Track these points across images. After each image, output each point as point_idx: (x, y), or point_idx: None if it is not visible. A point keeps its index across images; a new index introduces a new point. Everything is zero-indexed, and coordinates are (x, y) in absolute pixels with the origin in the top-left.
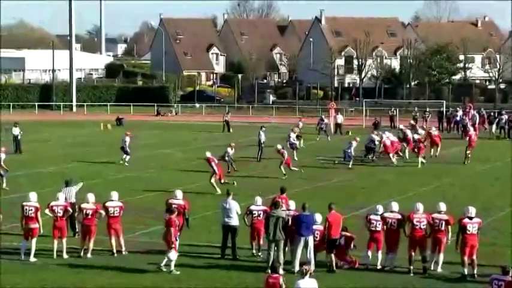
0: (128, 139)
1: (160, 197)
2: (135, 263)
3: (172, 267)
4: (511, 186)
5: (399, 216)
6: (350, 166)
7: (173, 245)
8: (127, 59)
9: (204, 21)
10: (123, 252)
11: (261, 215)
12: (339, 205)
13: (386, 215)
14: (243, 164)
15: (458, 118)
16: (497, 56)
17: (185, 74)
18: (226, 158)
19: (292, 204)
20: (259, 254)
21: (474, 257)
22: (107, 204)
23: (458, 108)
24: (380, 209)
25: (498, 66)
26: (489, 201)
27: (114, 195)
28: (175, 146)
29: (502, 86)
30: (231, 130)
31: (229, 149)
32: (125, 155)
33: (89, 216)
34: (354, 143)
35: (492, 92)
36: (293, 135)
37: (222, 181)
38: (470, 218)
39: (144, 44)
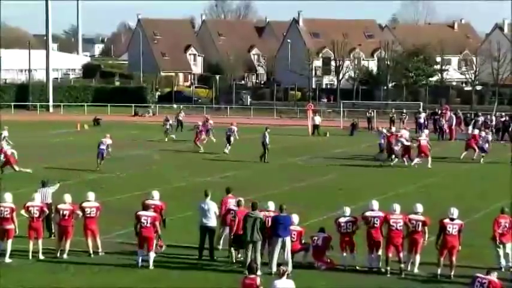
0: (109, 141)
1: (137, 198)
2: (112, 263)
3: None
4: (488, 187)
5: (381, 214)
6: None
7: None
8: (104, 59)
9: (181, 22)
10: (100, 253)
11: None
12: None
13: (367, 214)
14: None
15: (421, 120)
16: (474, 58)
17: (163, 75)
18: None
19: (271, 205)
20: (238, 255)
21: (453, 258)
22: (84, 204)
23: (420, 110)
24: (347, 210)
25: (474, 69)
26: (467, 202)
27: (91, 195)
28: (152, 147)
29: (478, 88)
30: (182, 130)
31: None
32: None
33: (66, 217)
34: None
35: (468, 93)
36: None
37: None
38: (452, 219)
39: (121, 44)
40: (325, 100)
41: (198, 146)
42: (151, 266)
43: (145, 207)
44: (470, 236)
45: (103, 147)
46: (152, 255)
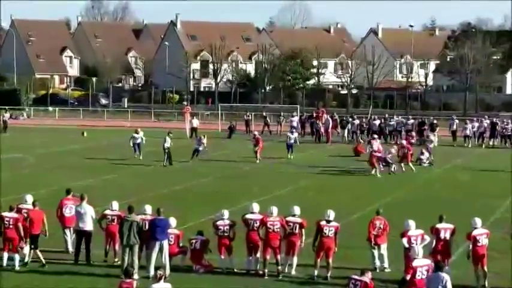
0: (141, 134)
1: (9, 202)
2: None
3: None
4: (365, 189)
5: (260, 217)
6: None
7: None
8: None
9: (57, 24)
10: None
11: (115, 220)
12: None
13: (247, 216)
14: (101, 168)
15: (294, 124)
16: (349, 62)
17: (38, 77)
18: None
19: (148, 209)
20: (115, 259)
21: (330, 259)
22: None
23: (294, 114)
24: (226, 213)
25: (350, 72)
26: (343, 204)
27: None
28: (27, 149)
29: (354, 91)
30: (7, 131)
31: None
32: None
33: None
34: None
35: (344, 97)
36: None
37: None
38: (328, 221)
39: None
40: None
41: None
42: (17, 267)
43: (14, 210)
44: (346, 237)
45: (137, 141)
46: (17, 256)
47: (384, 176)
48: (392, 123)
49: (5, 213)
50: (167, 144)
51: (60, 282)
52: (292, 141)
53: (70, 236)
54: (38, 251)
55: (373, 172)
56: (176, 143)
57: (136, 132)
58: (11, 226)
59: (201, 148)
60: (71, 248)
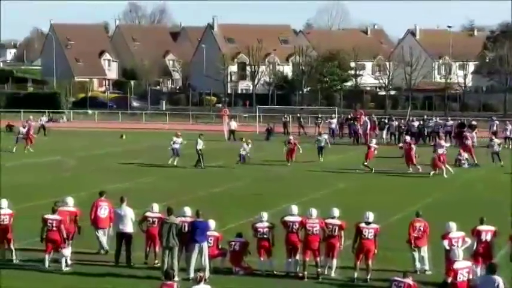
0: (181, 140)
1: (51, 205)
2: (27, 271)
3: (63, 266)
4: (404, 191)
5: (299, 219)
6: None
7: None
8: (17, 64)
9: (95, 27)
10: (14, 261)
11: (156, 222)
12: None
13: (286, 219)
14: (140, 171)
15: (333, 126)
16: (387, 63)
17: (77, 80)
18: None
19: (187, 211)
20: (156, 261)
21: (369, 261)
22: None
23: (333, 116)
24: (265, 216)
25: (388, 73)
26: (382, 206)
27: (3, 203)
28: (67, 153)
29: (392, 92)
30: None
31: None
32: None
33: None
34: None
35: (382, 98)
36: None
37: None
38: (368, 223)
39: (34, 50)
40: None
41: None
42: (64, 268)
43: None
44: (386, 239)
45: (176, 146)
46: (67, 252)
47: (422, 177)
48: (431, 124)
49: (48, 215)
50: (199, 146)
51: (101, 283)
52: (322, 143)
53: (106, 237)
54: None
55: (437, 172)
56: (214, 146)
57: (177, 136)
58: (54, 228)
59: (243, 153)
60: (106, 247)
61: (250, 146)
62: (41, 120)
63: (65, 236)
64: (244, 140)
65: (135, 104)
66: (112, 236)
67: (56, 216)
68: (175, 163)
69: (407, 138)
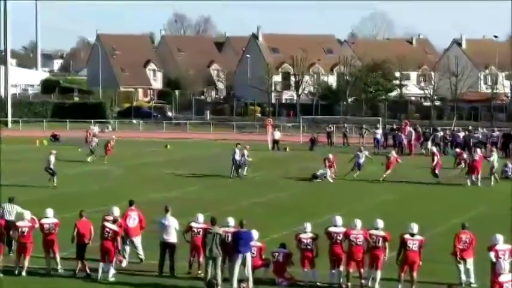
0: (52, 158)
1: (98, 214)
2: (70, 280)
3: (111, 275)
4: (448, 202)
5: (343, 230)
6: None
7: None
8: (63, 74)
9: (140, 37)
10: (59, 270)
11: (201, 233)
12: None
13: (330, 229)
14: (184, 180)
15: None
16: (432, 74)
17: (122, 90)
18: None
19: (231, 221)
20: (199, 271)
21: (414, 273)
22: (42, 221)
23: (377, 126)
24: (308, 227)
25: (433, 84)
26: (427, 217)
27: (49, 212)
28: (112, 162)
29: (437, 103)
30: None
31: None
32: (51, 176)
33: (25, 234)
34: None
35: (427, 108)
36: (239, 152)
37: None
38: (412, 235)
39: (80, 60)
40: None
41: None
42: (110, 278)
43: (117, 223)
44: (431, 251)
45: (238, 157)
46: (112, 267)
47: (468, 188)
48: (477, 135)
49: (107, 223)
50: (237, 157)
51: None
52: (362, 160)
53: (138, 246)
54: (84, 261)
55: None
56: (258, 155)
57: (242, 149)
58: (109, 237)
59: (240, 159)
60: (127, 258)
61: (247, 152)
62: (92, 130)
63: (119, 247)
64: (241, 146)
65: (169, 113)
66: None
67: (113, 227)
68: (244, 173)
69: (478, 150)
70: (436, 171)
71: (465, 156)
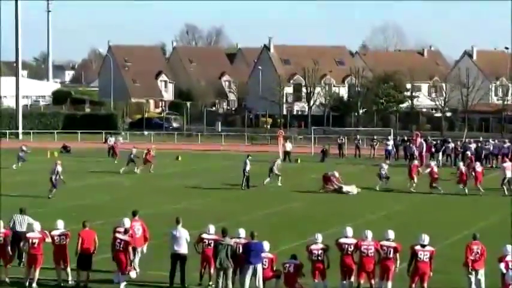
0: (59, 168)
1: (109, 225)
2: None
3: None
4: (459, 213)
5: (354, 241)
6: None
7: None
8: (74, 85)
9: (152, 49)
10: (70, 282)
11: (212, 244)
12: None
13: (341, 241)
14: (195, 192)
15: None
16: (443, 85)
17: (133, 101)
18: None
19: (242, 232)
20: (210, 282)
21: (425, 284)
22: (53, 233)
23: (389, 138)
24: (319, 237)
25: (444, 95)
26: (438, 228)
27: (60, 223)
28: (123, 174)
29: (448, 114)
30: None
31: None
32: (52, 187)
33: (35, 245)
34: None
35: (438, 120)
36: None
37: None
38: (423, 246)
39: (92, 71)
40: (297, 127)
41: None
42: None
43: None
44: (441, 262)
45: (248, 168)
46: (124, 278)
47: (477, 199)
48: (488, 146)
49: (119, 234)
50: (248, 168)
51: None
52: (384, 172)
53: (138, 257)
54: (88, 272)
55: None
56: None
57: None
58: (121, 248)
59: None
60: (137, 268)
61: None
62: (110, 141)
63: (131, 258)
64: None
65: (174, 124)
66: (145, 254)
67: (124, 237)
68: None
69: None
70: (434, 184)
71: (476, 166)
